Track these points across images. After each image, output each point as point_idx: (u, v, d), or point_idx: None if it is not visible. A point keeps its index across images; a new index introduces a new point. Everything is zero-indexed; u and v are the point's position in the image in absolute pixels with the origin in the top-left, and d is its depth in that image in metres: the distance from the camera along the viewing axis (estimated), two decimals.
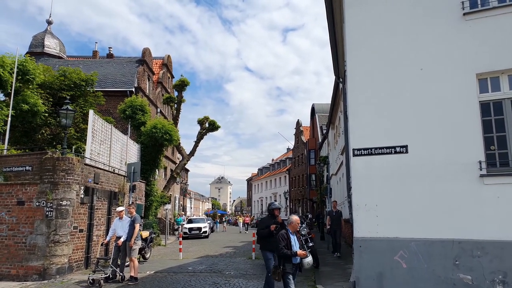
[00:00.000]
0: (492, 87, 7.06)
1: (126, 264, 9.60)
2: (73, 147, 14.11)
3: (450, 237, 6.74)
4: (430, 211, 6.91)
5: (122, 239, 9.34)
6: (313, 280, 8.98)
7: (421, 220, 6.97)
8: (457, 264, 6.64)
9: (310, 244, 11.39)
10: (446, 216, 6.81)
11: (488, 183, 6.65)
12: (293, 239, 5.96)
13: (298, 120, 53.02)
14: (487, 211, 6.58)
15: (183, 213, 38.71)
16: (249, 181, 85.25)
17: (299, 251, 5.84)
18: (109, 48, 32.30)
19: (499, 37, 6.98)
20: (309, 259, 5.97)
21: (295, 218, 6.19)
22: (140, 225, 9.49)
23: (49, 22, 28.83)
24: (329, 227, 13.72)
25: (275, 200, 49.87)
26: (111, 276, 9.11)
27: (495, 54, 6.97)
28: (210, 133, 24.64)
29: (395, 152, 7.33)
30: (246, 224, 37.99)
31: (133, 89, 24.22)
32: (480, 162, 6.74)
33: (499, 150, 6.83)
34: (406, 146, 7.28)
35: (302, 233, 11.84)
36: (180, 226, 22.70)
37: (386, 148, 7.39)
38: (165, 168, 31.20)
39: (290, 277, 5.87)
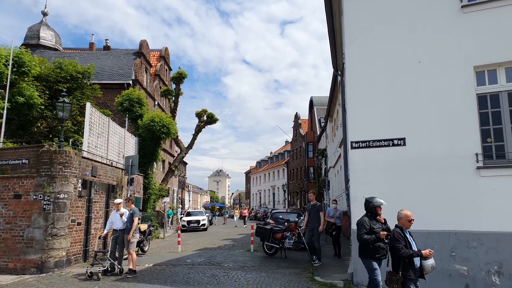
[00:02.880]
0: (489, 80, 7.06)
1: (125, 257, 9.63)
2: (70, 140, 14.03)
3: (447, 229, 6.79)
4: (427, 203, 6.95)
5: (105, 231, 9.53)
6: (311, 272, 9.05)
7: (418, 212, 6.96)
8: (453, 255, 6.70)
9: None
10: (443, 208, 6.85)
11: (484, 175, 6.69)
12: (409, 237, 5.03)
13: (296, 113, 53.01)
14: (484, 203, 6.63)
15: (180, 206, 37.71)
16: (248, 174, 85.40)
17: (424, 251, 4.81)
18: (106, 40, 31.99)
19: (496, 30, 6.96)
20: (432, 261, 4.88)
21: (405, 212, 5.15)
22: (139, 218, 9.49)
23: (45, 14, 28.49)
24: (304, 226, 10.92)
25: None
26: (109, 269, 9.14)
27: (492, 47, 6.95)
28: (208, 126, 24.61)
29: (393, 145, 7.35)
30: (244, 217, 33.74)
31: (131, 82, 24.07)
32: (476, 155, 6.76)
33: (496, 143, 6.86)
34: (403, 139, 7.29)
35: (301, 225, 11.93)
36: (171, 219, 22.26)
37: (384, 140, 7.41)
38: (163, 161, 31.19)
39: (412, 285, 4.79)
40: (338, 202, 13.50)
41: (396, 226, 5.18)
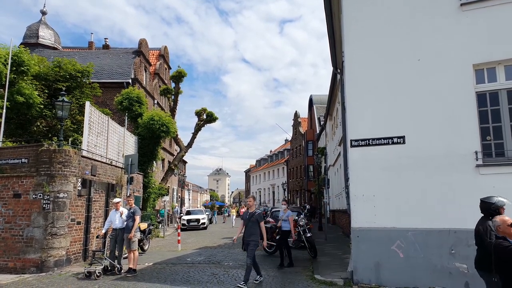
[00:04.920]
0: (489, 78, 7.06)
1: (124, 256, 9.63)
2: (70, 139, 14.00)
3: (446, 227, 6.79)
4: (426, 201, 6.95)
5: (103, 230, 9.49)
6: (311, 270, 9.06)
7: (418, 210, 7.01)
8: (453, 253, 6.70)
9: (308, 235, 11.50)
10: (443, 206, 6.85)
11: (484, 173, 6.69)
12: None
13: (296, 111, 52.94)
14: None
15: (176, 204, 36.75)
16: (247, 172, 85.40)
17: None
18: (105, 39, 31.87)
19: (495, 28, 6.96)
20: None
21: (501, 218, 4.25)
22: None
23: (43, 13, 28.41)
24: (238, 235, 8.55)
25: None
26: (109, 268, 9.14)
27: (492, 45, 6.95)
28: (207, 124, 24.59)
29: (393, 143, 7.34)
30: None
31: (130, 81, 24.02)
32: (476, 152, 6.76)
33: (495, 141, 6.86)
34: (403, 137, 7.29)
35: (300, 223, 11.93)
36: (164, 219, 21.77)
37: (384, 139, 7.40)
38: (163, 160, 31.16)
39: None
40: (337, 199, 13.44)
41: (496, 237, 4.26)
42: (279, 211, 19.09)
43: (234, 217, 31.85)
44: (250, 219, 7.84)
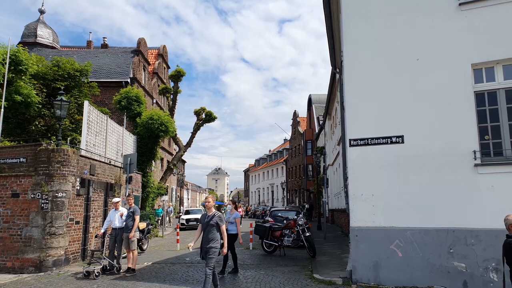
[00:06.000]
0: (487, 77, 7.08)
1: (123, 255, 9.62)
2: (68, 138, 13.96)
3: (445, 226, 6.81)
4: (425, 200, 6.97)
5: (102, 230, 9.47)
6: (310, 270, 9.07)
7: (417, 209, 7.03)
8: (451, 252, 6.72)
9: (307, 234, 11.51)
10: (441, 205, 6.87)
11: (482, 172, 6.71)
12: None
13: (295, 111, 52.94)
14: (481, 200, 6.64)
15: (171, 204, 35.69)
16: (247, 172, 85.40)
17: None
18: (104, 38, 31.78)
19: (494, 28, 6.97)
20: None
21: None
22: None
23: (42, 12, 28.31)
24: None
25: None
26: (108, 267, 9.13)
27: (490, 45, 6.96)
28: (206, 124, 24.54)
29: (391, 142, 7.36)
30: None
31: (129, 80, 23.99)
32: (474, 152, 6.77)
33: (493, 140, 6.87)
34: (402, 136, 7.30)
35: (299, 223, 11.95)
36: (159, 218, 21.44)
37: (382, 138, 7.41)
38: (162, 159, 31.15)
39: None
40: (336, 198, 13.46)
41: (508, 236, 4.19)
42: (279, 210, 19.15)
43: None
44: (209, 222, 6.65)
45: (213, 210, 6.84)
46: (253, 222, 15.73)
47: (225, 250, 6.86)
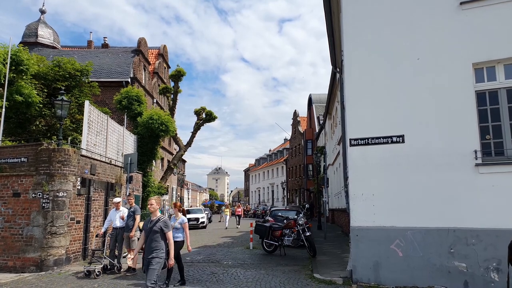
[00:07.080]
0: (488, 77, 7.07)
1: (124, 254, 9.63)
2: (69, 138, 13.98)
3: (446, 226, 6.81)
4: (426, 200, 6.96)
5: (103, 229, 9.51)
6: (310, 269, 9.07)
7: (417, 209, 7.02)
8: (452, 252, 6.72)
9: (308, 234, 11.51)
10: (442, 205, 6.87)
11: (483, 172, 6.70)
12: None
13: (295, 110, 52.91)
14: (482, 199, 6.64)
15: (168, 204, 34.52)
16: (247, 171, 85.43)
17: None
18: (104, 38, 31.83)
19: (495, 27, 6.96)
20: None
21: None
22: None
23: (42, 11, 28.32)
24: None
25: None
26: (109, 266, 9.15)
27: (491, 44, 6.95)
28: (206, 124, 24.56)
29: (392, 142, 7.35)
30: (238, 217, 28.16)
31: (129, 80, 24.00)
32: (475, 151, 6.77)
33: (494, 140, 6.87)
34: (402, 136, 7.30)
35: (300, 222, 11.95)
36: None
37: (383, 138, 7.41)
38: (162, 159, 31.15)
39: None
40: (337, 198, 13.44)
41: None
42: (279, 210, 19.08)
43: (228, 217, 27.94)
44: (152, 228, 5.58)
45: (158, 214, 5.80)
46: (253, 222, 15.74)
47: (171, 261, 5.88)
